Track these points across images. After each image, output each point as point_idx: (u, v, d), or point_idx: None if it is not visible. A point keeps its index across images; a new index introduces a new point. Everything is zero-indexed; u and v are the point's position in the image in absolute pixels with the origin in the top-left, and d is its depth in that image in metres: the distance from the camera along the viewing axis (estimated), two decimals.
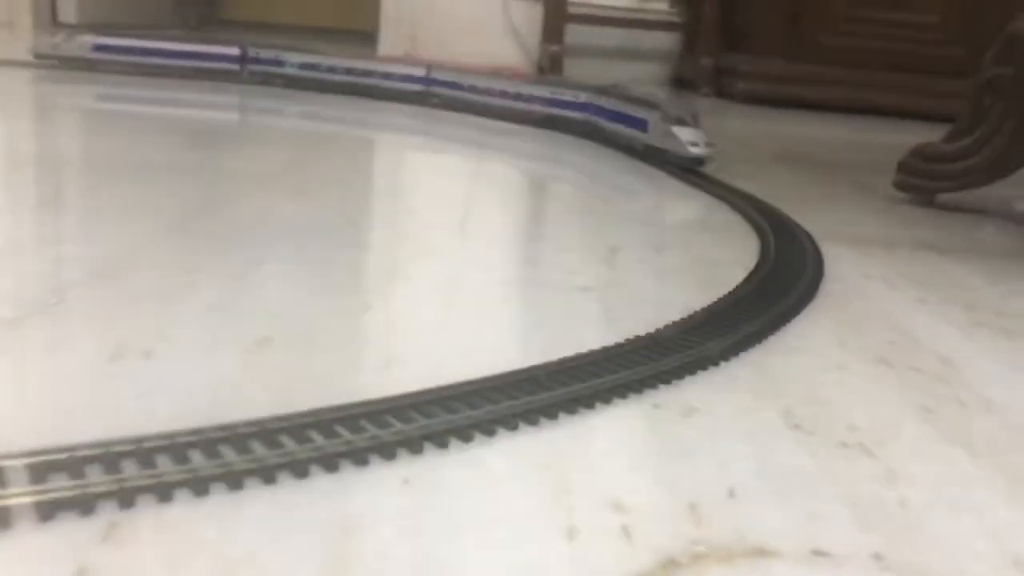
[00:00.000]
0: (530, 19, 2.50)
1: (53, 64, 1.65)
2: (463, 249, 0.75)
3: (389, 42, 2.60)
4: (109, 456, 0.36)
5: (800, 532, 0.35)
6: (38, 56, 1.67)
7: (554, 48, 2.37)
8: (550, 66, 2.35)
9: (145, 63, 1.64)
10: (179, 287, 0.57)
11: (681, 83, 2.50)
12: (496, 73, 2.32)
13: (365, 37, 2.99)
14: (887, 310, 0.66)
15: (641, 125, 1.19)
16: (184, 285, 0.58)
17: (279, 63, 1.64)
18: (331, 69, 1.62)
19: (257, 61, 1.65)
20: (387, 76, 1.59)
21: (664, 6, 2.49)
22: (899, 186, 1.08)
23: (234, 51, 1.66)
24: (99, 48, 1.65)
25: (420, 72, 1.59)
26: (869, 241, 0.88)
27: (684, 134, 1.11)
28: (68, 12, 2.70)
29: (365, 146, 1.32)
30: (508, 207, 0.98)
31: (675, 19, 2.50)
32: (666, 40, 2.53)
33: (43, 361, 0.46)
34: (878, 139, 1.81)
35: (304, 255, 0.67)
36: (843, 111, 2.10)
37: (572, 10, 2.37)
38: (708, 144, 1.11)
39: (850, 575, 0.33)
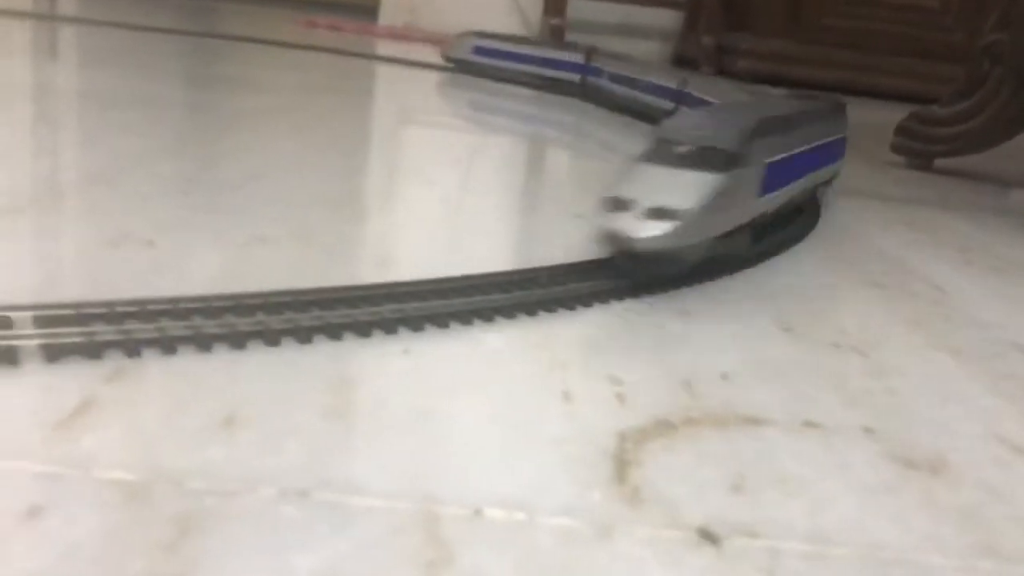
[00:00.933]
0: None
1: (451, 67, 1.57)
2: None
3: (389, 14, 2.60)
4: (115, 314, 0.36)
5: (792, 408, 0.36)
6: (445, 59, 1.58)
7: (555, 21, 2.37)
8: (550, 39, 2.35)
9: (506, 68, 1.49)
10: None
11: (682, 61, 2.50)
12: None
13: (364, 10, 2.99)
14: (881, 247, 0.67)
15: None
16: None
17: (599, 73, 1.34)
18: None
19: (596, 72, 1.36)
20: None
21: None
22: (896, 149, 1.09)
23: (578, 59, 1.40)
24: (478, 51, 1.54)
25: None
26: (865, 194, 0.88)
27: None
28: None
29: None
30: None
31: None
32: (667, 17, 2.53)
33: (46, 244, 0.46)
34: (876, 118, 1.82)
35: None
36: (843, 92, 2.11)
37: None
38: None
39: (842, 443, 0.34)
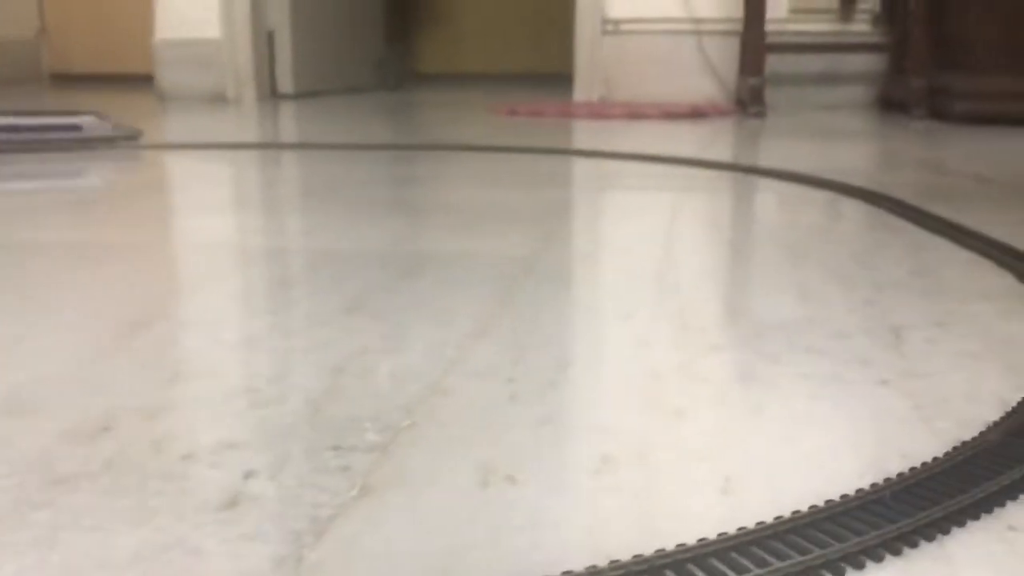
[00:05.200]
0: (725, 52, 2.51)
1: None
2: None
3: (584, 86, 2.67)
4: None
5: None
6: None
7: (754, 80, 2.36)
8: (750, 99, 2.35)
9: None
10: None
11: (890, 104, 2.44)
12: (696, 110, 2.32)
13: (557, 80, 3.08)
14: None
15: None
16: None
17: None
18: None
19: None
20: None
21: (866, 27, 2.45)
22: None
23: None
24: None
25: None
26: None
27: None
28: (286, 84, 2.91)
29: None
30: None
31: (879, 39, 2.45)
32: (871, 62, 2.48)
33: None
34: None
35: None
36: None
37: (771, 40, 2.36)
38: None
39: None
